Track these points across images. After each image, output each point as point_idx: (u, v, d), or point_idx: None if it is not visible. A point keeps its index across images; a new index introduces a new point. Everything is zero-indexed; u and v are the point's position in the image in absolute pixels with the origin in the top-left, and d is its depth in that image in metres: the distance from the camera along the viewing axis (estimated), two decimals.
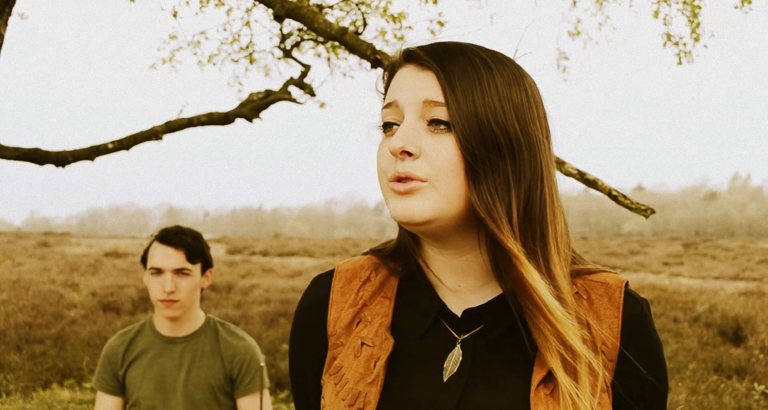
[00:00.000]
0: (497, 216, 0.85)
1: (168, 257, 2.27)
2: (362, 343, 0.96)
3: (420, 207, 0.86)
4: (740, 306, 10.05)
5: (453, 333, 0.93)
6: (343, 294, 1.01)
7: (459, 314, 0.94)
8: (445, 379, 0.91)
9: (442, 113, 0.86)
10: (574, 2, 6.29)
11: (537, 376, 0.87)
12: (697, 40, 5.82)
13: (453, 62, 0.87)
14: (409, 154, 0.86)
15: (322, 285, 1.04)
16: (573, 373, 0.87)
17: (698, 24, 5.70)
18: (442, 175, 0.85)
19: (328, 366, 0.99)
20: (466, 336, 0.93)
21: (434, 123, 0.86)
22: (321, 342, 1.01)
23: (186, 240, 2.29)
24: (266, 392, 2.37)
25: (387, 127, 0.91)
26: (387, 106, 0.91)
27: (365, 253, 1.06)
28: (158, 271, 2.28)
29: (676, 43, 5.97)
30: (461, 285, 0.94)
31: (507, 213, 0.86)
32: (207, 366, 2.33)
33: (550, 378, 0.87)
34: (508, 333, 0.92)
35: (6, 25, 4.69)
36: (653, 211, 3.30)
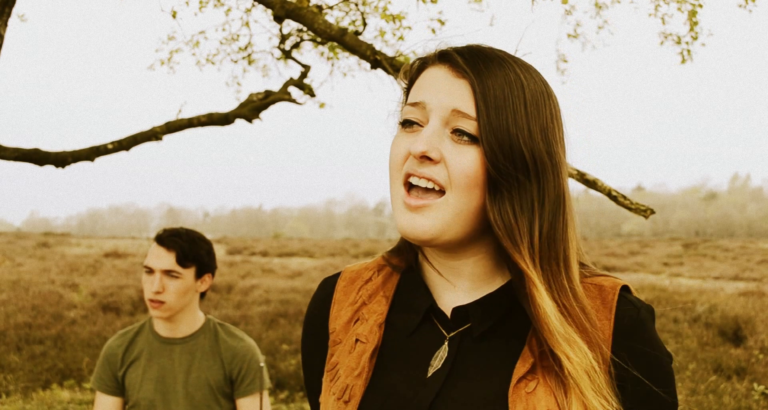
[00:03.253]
0: (517, 236, 0.85)
1: (159, 257, 2.27)
2: (356, 340, 0.98)
3: (426, 225, 0.87)
4: (740, 307, 10.04)
5: (442, 331, 0.95)
6: (346, 294, 1.04)
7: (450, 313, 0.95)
8: (428, 375, 0.92)
9: (469, 125, 0.85)
10: (568, 11, 6.29)
11: (518, 372, 0.87)
12: (695, 38, 5.82)
13: (489, 75, 0.86)
14: (429, 160, 0.86)
15: (327, 285, 1.07)
16: (563, 387, 0.86)
17: (696, 22, 5.70)
18: (459, 185, 0.85)
19: (327, 363, 1.01)
20: (453, 333, 0.94)
21: (458, 133, 0.86)
22: (324, 341, 1.03)
23: (179, 243, 2.28)
24: (266, 393, 2.36)
25: (408, 123, 0.91)
26: (413, 104, 0.90)
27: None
28: (150, 270, 2.29)
29: (678, 42, 5.96)
30: (457, 285, 0.95)
31: (530, 234, 0.86)
32: (206, 367, 2.33)
33: (532, 375, 0.87)
34: (493, 330, 0.92)
35: (6, 25, 4.69)
36: (653, 212, 3.30)
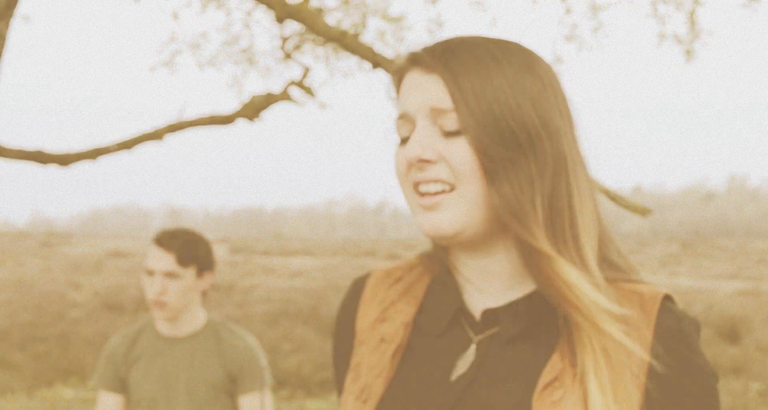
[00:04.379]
0: (523, 215, 0.82)
1: (158, 259, 2.27)
2: (381, 339, 0.96)
3: (447, 220, 0.84)
4: (737, 306, 10.10)
5: (470, 334, 0.92)
6: (375, 292, 1.01)
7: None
8: (452, 379, 0.89)
9: (451, 120, 0.84)
10: (568, 10, 6.34)
11: (544, 379, 0.82)
12: (691, 41, 5.87)
13: (458, 61, 0.84)
14: (428, 162, 0.84)
15: (357, 284, 1.05)
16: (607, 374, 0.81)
17: (693, 23, 5.75)
18: (465, 176, 0.83)
19: (351, 363, 0.98)
20: (482, 337, 0.91)
21: (445, 132, 0.85)
22: (351, 341, 1.01)
23: (177, 243, 2.28)
24: (267, 391, 2.40)
25: (402, 139, 0.90)
26: (400, 117, 0.89)
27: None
28: (150, 272, 2.29)
29: (681, 41, 6.00)
30: (487, 286, 0.92)
31: (532, 209, 0.83)
32: (208, 365, 2.35)
33: (560, 383, 0.83)
34: (524, 335, 0.89)
35: (8, 25, 4.75)
36: (650, 211, 3.36)
